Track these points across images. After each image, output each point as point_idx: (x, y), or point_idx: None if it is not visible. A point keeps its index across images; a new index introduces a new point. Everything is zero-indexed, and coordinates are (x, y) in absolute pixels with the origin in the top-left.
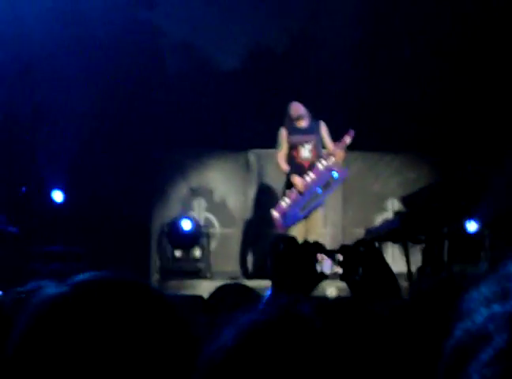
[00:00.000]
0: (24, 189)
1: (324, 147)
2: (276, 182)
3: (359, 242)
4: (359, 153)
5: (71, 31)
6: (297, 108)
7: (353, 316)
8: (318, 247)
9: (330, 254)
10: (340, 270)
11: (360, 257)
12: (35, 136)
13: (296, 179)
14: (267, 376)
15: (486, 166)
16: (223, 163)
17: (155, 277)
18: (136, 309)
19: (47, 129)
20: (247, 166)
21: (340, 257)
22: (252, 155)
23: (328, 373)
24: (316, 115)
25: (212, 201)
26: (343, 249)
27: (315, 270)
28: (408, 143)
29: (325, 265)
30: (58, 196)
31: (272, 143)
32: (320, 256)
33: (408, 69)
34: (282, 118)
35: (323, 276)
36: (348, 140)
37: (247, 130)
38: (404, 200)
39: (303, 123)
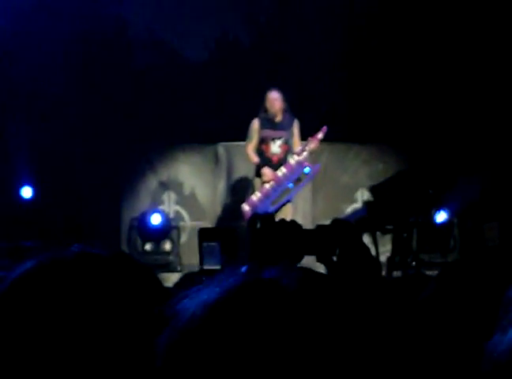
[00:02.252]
0: None
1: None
2: (246, 175)
3: (335, 222)
4: (327, 144)
5: (37, 24)
6: (274, 101)
7: (329, 283)
8: (295, 226)
9: (307, 234)
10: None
11: (337, 236)
12: (4, 130)
13: (266, 170)
14: (240, 343)
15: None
16: (192, 156)
17: None
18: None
19: (16, 124)
20: (216, 159)
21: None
22: (221, 148)
23: (301, 335)
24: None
25: (181, 195)
26: (320, 228)
27: (293, 249)
28: (375, 134)
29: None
30: (27, 192)
31: (241, 136)
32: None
33: (376, 58)
34: (254, 109)
35: (301, 257)
36: (320, 135)
37: (215, 123)
38: (373, 190)
39: (278, 118)
